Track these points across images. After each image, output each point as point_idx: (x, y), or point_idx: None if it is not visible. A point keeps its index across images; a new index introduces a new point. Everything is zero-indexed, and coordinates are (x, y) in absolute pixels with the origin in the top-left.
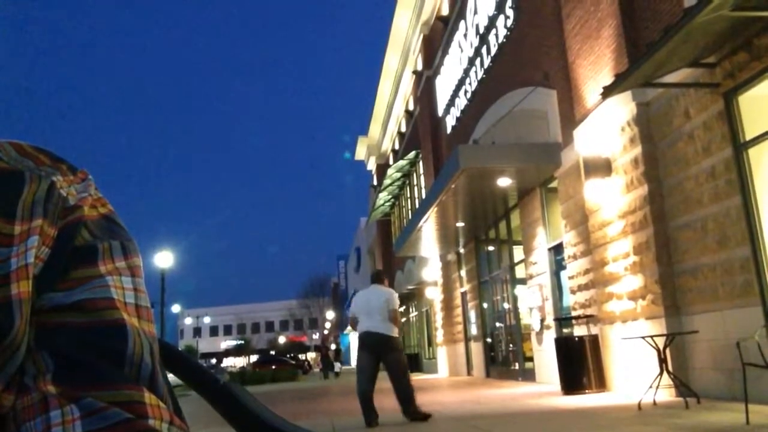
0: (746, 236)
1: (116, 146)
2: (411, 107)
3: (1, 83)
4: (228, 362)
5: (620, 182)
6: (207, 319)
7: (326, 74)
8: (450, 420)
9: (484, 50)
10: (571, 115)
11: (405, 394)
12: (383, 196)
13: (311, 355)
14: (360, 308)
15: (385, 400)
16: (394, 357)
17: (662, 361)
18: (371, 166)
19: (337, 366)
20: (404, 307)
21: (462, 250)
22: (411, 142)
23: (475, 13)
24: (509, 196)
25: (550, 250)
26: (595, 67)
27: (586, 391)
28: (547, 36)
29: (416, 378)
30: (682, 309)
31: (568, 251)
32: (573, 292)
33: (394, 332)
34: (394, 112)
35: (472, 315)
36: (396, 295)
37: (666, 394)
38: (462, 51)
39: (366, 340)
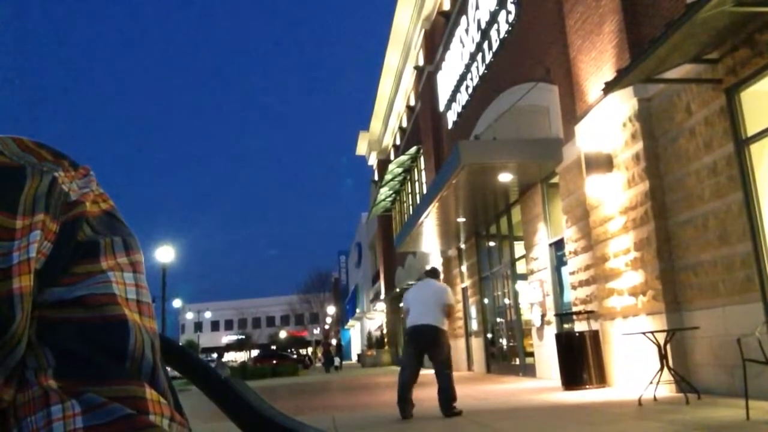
0: (747, 232)
1: (118, 143)
2: (412, 103)
3: (3, 80)
4: (229, 357)
5: (621, 178)
6: (208, 314)
7: (327, 68)
8: None
9: (485, 46)
10: (572, 110)
11: (446, 389)
12: (384, 192)
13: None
14: (412, 300)
15: (386, 393)
16: (438, 351)
17: (663, 356)
18: (372, 161)
19: (337, 360)
20: None
21: (463, 246)
22: (412, 138)
23: (477, 8)
24: (510, 192)
25: (551, 245)
26: (596, 62)
27: (587, 386)
28: (548, 31)
29: None
30: (682, 305)
31: (569, 247)
32: (574, 287)
33: (444, 325)
34: (395, 107)
35: (473, 310)
36: (450, 290)
37: (666, 389)
38: (463, 46)
39: (413, 334)
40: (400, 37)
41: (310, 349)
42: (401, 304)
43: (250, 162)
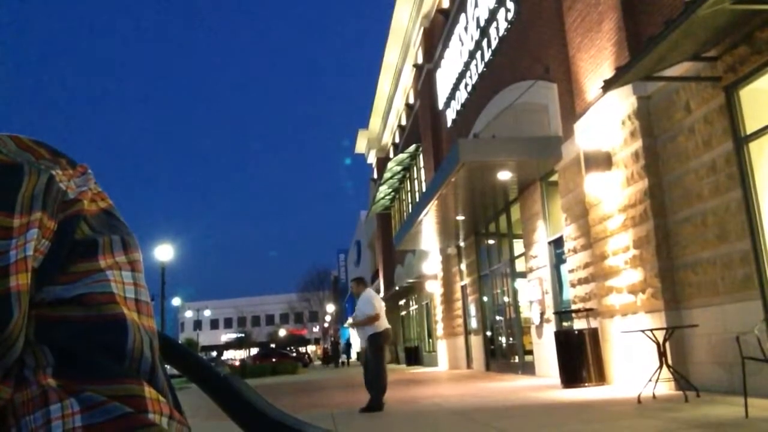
0: (746, 230)
1: (118, 141)
2: (411, 101)
3: (6, 79)
4: (228, 355)
5: (620, 176)
6: (207, 312)
7: (327, 67)
8: (450, 413)
9: (484, 43)
10: (571, 108)
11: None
12: (383, 190)
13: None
14: (382, 308)
15: (387, 392)
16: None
17: (662, 354)
18: (371, 159)
19: (344, 357)
20: (404, 300)
21: (462, 244)
22: (411, 136)
23: (476, 6)
24: (509, 190)
25: (550, 243)
26: (595, 60)
27: (586, 384)
28: (547, 29)
29: (416, 371)
30: (681, 303)
31: (568, 245)
32: (573, 285)
33: None
34: (395, 105)
35: (472, 308)
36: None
37: (665, 387)
38: (462, 44)
39: (388, 338)
40: (399, 34)
41: (310, 348)
42: (378, 306)
43: (250, 160)
